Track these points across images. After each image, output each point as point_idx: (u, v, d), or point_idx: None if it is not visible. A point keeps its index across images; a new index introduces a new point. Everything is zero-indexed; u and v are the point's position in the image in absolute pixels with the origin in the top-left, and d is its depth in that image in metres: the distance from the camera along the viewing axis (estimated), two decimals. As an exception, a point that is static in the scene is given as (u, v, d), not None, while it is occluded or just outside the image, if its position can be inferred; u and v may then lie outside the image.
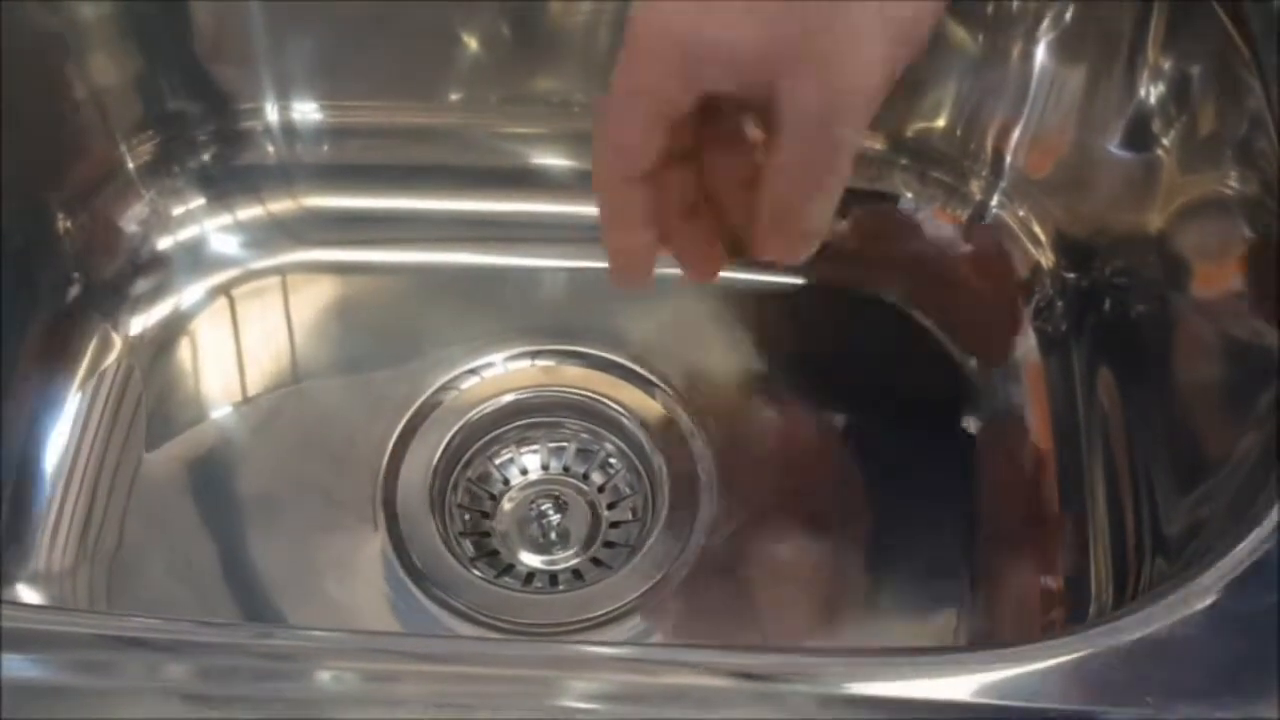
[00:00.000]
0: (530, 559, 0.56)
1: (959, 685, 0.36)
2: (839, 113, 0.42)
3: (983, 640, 0.53)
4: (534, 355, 0.61)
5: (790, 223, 0.45)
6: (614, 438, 0.59)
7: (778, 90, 0.42)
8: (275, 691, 0.36)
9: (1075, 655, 0.36)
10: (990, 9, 0.59)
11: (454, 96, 0.64)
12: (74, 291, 0.60)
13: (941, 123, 0.62)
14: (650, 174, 0.44)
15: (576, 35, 0.62)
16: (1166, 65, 0.55)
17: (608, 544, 0.57)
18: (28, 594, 0.54)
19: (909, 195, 0.63)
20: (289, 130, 0.64)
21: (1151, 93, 0.55)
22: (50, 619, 0.39)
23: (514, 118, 0.64)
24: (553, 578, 0.56)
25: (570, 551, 0.56)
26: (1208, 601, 0.38)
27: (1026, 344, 0.61)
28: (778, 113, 0.42)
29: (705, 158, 0.46)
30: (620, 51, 0.42)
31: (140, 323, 0.62)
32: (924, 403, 0.60)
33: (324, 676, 0.37)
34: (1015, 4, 0.58)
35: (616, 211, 0.46)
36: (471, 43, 0.62)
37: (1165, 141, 0.54)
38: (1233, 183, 0.50)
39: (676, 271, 0.62)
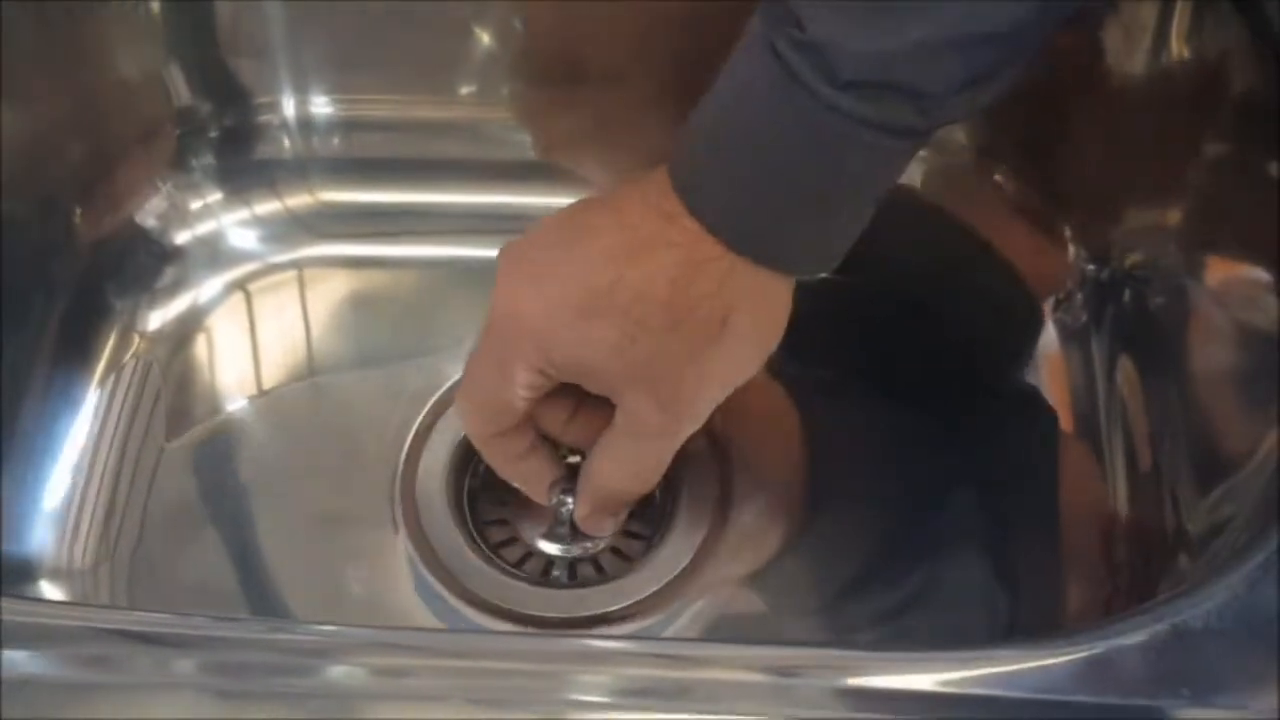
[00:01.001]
0: (550, 549, 0.56)
1: (988, 678, 0.36)
2: (672, 434, 0.47)
3: (1002, 632, 0.53)
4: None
5: (606, 498, 0.50)
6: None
7: (620, 397, 0.46)
8: (289, 687, 0.36)
9: (1109, 647, 0.37)
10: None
11: (468, 90, 0.64)
12: (92, 287, 0.60)
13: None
14: (521, 422, 0.49)
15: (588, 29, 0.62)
16: (1189, 57, 0.54)
17: (627, 534, 0.56)
18: (50, 590, 0.54)
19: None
20: (305, 125, 0.64)
21: (1174, 85, 0.55)
22: (61, 614, 0.39)
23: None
24: (572, 569, 0.56)
25: (589, 543, 0.56)
26: (1241, 594, 0.38)
27: (1046, 335, 0.61)
28: (617, 411, 0.46)
29: None
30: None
31: (158, 318, 0.62)
32: (942, 393, 0.59)
33: (338, 671, 0.37)
34: None
35: (497, 456, 0.51)
36: (485, 36, 0.62)
37: (1186, 133, 0.54)
38: (1253, 173, 0.50)
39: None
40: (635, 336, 0.43)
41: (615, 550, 0.56)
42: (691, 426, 0.47)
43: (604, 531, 0.53)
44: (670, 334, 0.43)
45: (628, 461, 0.49)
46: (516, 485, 0.53)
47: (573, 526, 0.56)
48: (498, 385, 0.47)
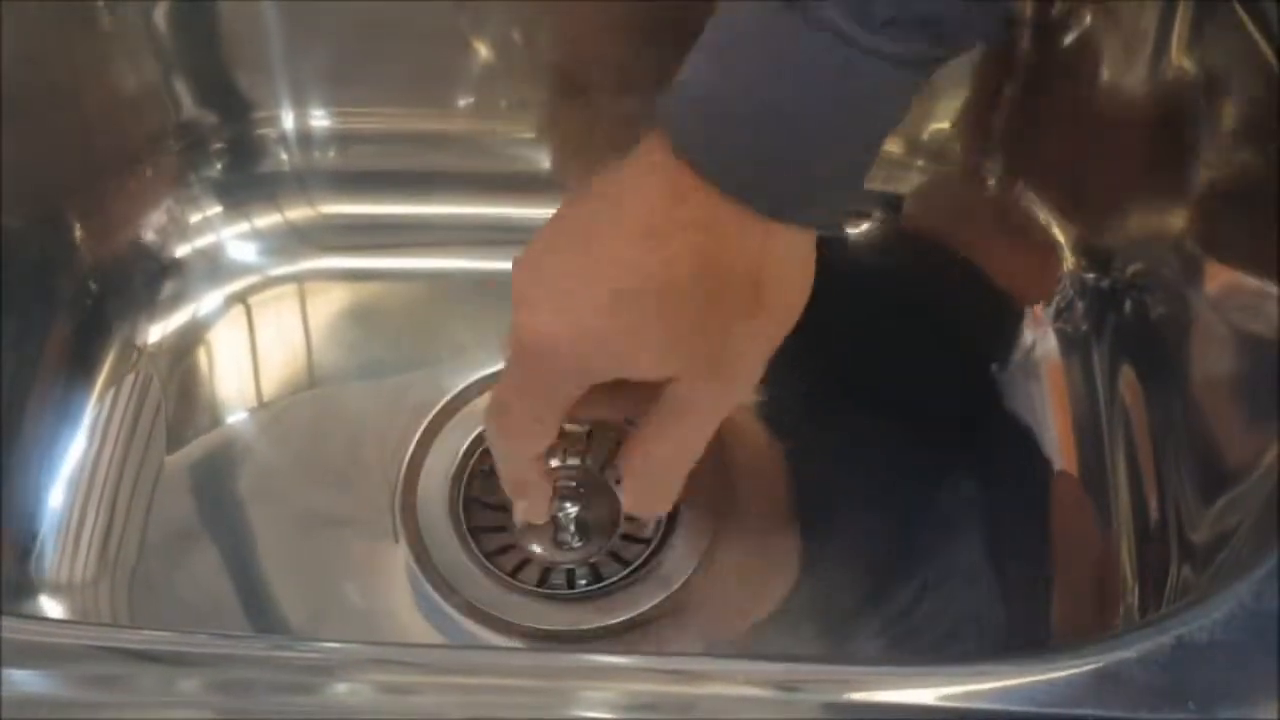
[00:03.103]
0: (553, 558, 0.56)
1: (991, 693, 0.36)
2: (720, 410, 0.45)
3: (1007, 644, 0.53)
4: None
5: (659, 481, 0.49)
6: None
7: (667, 383, 0.44)
8: (293, 705, 0.36)
9: (1113, 660, 0.36)
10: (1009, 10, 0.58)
11: (467, 102, 0.64)
12: (92, 301, 0.61)
13: (959, 124, 0.62)
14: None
15: (586, 40, 0.62)
16: (1190, 65, 0.54)
17: (625, 537, 0.57)
18: (50, 606, 0.54)
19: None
20: (305, 138, 0.64)
21: (1174, 93, 0.55)
22: (62, 632, 0.39)
23: (525, 123, 0.64)
24: (570, 577, 0.56)
25: (590, 550, 0.56)
26: (1247, 605, 0.37)
27: (1047, 344, 0.60)
28: (664, 396, 0.45)
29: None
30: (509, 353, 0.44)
31: (158, 331, 0.62)
32: (944, 405, 0.59)
33: (342, 689, 0.37)
34: (1034, 5, 0.58)
35: (519, 483, 0.50)
36: (482, 49, 0.62)
37: (1187, 141, 0.54)
38: (1255, 183, 0.50)
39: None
40: (672, 325, 0.42)
41: (614, 555, 0.56)
42: (743, 395, 0.46)
43: (662, 511, 0.52)
44: (706, 312, 0.42)
45: (680, 441, 0.47)
46: (519, 502, 0.52)
47: (577, 531, 0.56)
48: (540, 415, 0.45)
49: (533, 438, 0.47)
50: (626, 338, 0.42)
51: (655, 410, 0.45)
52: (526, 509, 0.52)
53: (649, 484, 0.49)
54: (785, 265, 0.43)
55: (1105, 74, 0.57)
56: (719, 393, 0.45)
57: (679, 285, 0.41)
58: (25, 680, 0.36)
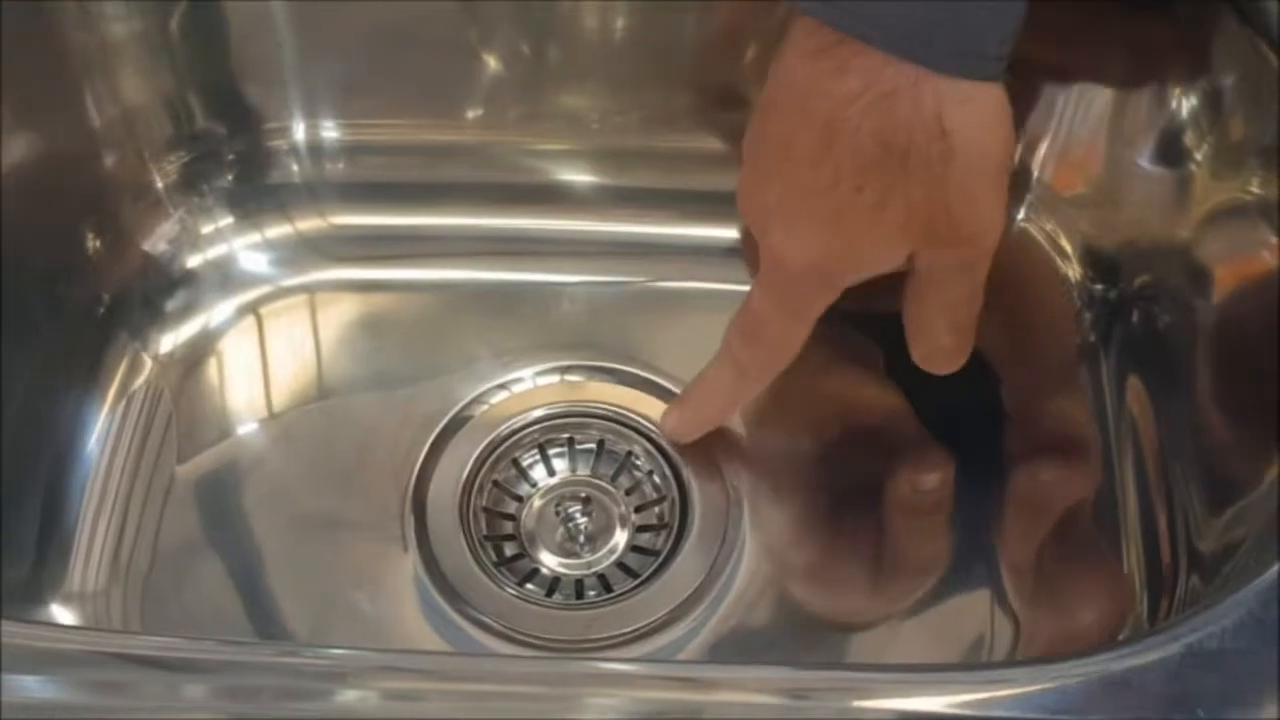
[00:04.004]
0: (562, 568, 0.56)
1: (1001, 700, 0.36)
2: (975, 263, 0.46)
3: (1016, 654, 0.53)
4: (563, 370, 0.60)
5: (948, 343, 0.49)
6: (647, 454, 0.58)
7: (912, 260, 0.45)
8: (300, 711, 0.36)
9: (1123, 667, 0.36)
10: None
11: (476, 114, 0.64)
12: (103, 312, 0.61)
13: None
14: None
15: (595, 52, 0.62)
16: (1196, 78, 0.54)
17: (636, 548, 0.57)
18: (62, 615, 0.54)
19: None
20: (316, 149, 0.64)
21: (1181, 105, 0.55)
22: (66, 637, 0.39)
23: (534, 134, 0.64)
24: (580, 588, 0.56)
25: (599, 560, 0.56)
26: (1255, 612, 0.37)
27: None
28: (916, 271, 0.46)
29: None
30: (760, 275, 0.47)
31: (169, 342, 0.62)
32: (954, 414, 0.59)
33: (349, 696, 0.37)
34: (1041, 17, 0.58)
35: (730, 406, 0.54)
36: (492, 60, 0.62)
37: (1194, 154, 0.54)
38: (1262, 193, 0.50)
39: (699, 285, 0.62)
40: (881, 199, 0.42)
41: (623, 566, 0.56)
42: (994, 237, 0.45)
43: (954, 367, 0.51)
44: (908, 172, 0.42)
45: (948, 303, 0.47)
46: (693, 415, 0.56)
47: (587, 542, 0.56)
48: (794, 328, 0.48)
49: (786, 349, 0.49)
50: (856, 243, 0.44)
51: (912, 282, 0.47)
52: (684, 423, 0.55)
53: (935, 346, 0.50)
54: (966, 112, 0.42)
55: (1113, 88, 0.57)
56: (963, 251, 0.45)
57: (865, 157, 0.42)
58: (28, 686, 0.36)
